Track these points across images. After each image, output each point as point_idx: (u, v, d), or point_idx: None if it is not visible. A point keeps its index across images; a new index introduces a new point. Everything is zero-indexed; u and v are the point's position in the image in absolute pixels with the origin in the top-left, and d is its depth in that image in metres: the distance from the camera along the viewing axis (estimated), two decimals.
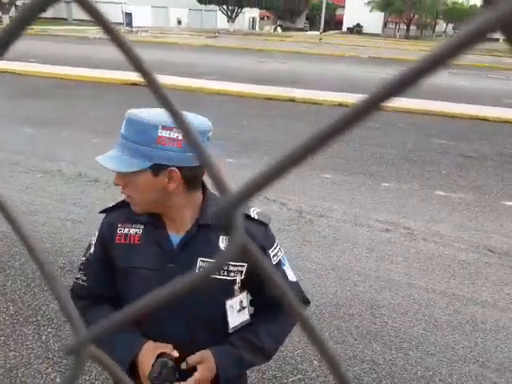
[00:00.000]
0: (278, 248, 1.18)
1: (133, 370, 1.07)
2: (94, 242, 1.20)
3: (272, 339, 1.15)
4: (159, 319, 1.13)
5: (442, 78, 14.20)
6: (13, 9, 34.42)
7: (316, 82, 11.99)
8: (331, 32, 53.32)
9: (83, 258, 1.23)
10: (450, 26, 59.94)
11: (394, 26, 55.21)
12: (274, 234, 1.19)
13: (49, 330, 2.62)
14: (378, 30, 55.61)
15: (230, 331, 1.13)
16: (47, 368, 2.37)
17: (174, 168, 0.98)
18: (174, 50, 19.76)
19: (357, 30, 57.10)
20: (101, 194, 4.37)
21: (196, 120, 1.02)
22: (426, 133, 7.41)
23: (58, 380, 2.30)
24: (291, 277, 1.21)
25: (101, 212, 1.20)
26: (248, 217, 1.13)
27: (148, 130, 0.95)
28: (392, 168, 5.58)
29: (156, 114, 0.97)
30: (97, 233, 1.19)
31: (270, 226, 1.17)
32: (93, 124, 6.83)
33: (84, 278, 1.21)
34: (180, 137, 0.95)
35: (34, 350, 2.48)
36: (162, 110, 0.85)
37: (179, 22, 49.55)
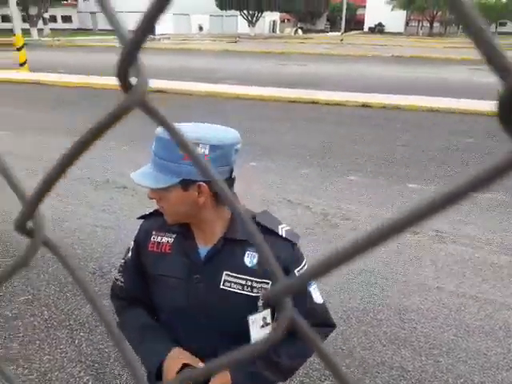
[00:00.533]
0: (305, 268, 1.18)
1: (159, 374, 1.11)
2: (131, 247, 1.25)
3: (292, 359, 1.15)
4: (184, 331, 1.16)
5: (467, 75, 13.89)
6: (40, 21, 35.52)
7: (339, 83, 11.92)
8: (352, 32, 52.91)
9: (122, 261, 1.29)
10: None
11: (416, 24, 54.31)
12: (302, 253, 1.19)
13: (81, 334, 2.69)
14: (401, 29, 54.83)
15: None
16: (80, 372, 2.43)
17: (202, 182, 1.01)
18: (196, 56, 19.99)
19: (378, 29, 56.45)
20: (129, 200, 4.47)
21: (224, 132, 1.04)
22: (452, 132, 7.26)
23: (90, 383, 2.36)
24: (318, 298, 1.20)
25: (139, 218, 1.26)
26: (275, 234, 1.14)
27: (175, 147, 0.98)
28: (418, 168, 5.49)
29: (183, 130, 1.00)
30: (134, 237, 1.25)
31: (299, 243, 1.18)
32: (119, 132, 6.97)
33: (122, 280, 1.27)
34: (206, 151, 0.98)
35: (67, 353, 2.55)
36: (190, 124, 0.89)
37: (200, 29, 50.13)
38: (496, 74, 0.14)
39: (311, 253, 3.48)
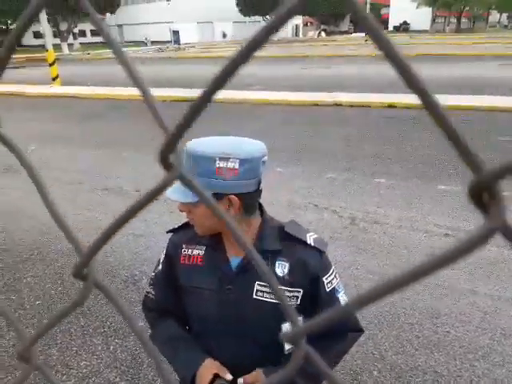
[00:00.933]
0: (333, 275, 1.19)
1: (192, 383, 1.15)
2: (162, 260, 1.29)
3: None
4: (217, 338, 1.20)
5: (496, 72, 13.50)
6: (70, 36, 36.77)
7: (363, 85, 11.80)
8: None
9: (153, 274, 1.33)
10: (505, 15, 56.74)
11: (443, 21, 53.12)
12: (330, 260, 1.21)
13: (116, 340, 2.77)
14: (427, 26, 53.77)
15: (286, 353, 1.17)
16: (116, 377, 2.50)
17: (232, 195, 1.04)
18: (221, 64, 20.22)
19: (404, 27, 55.58)
20: (158, 208, 4.56)
21: (252, 145, 1.06)
22: (484, 130, 7.07)
23: None
24: None
25: (168, 232, 1.30)
26: (304, 243, 1.16)
27: (206, 163, 1.01)
28: (448, 169, 5.37)
29: (213, 145, 1.02)
30: (164, 250, 1.28)
31: (327, 251, 1.20)
32: (148, 142, 7.14)
33: (153, 293, 1.31)
34: (236, 166, 1.00)
35: (103, 359, 2.63)
36: (220, 138, 0.94)
37: (224, 36, 50.71)
38: (468, 167, 0.18)
39: (339, 258, 3.46)
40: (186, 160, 1.05)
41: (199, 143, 1.04)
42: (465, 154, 0.18)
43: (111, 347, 2.72)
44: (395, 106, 9.17)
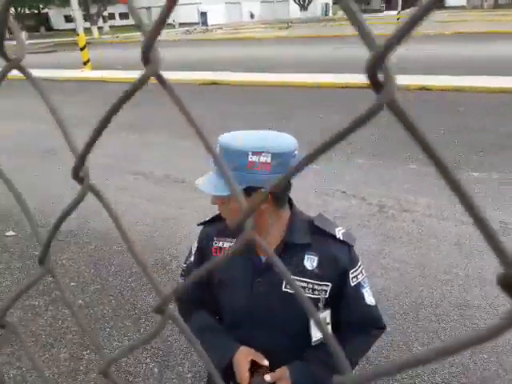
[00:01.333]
0: (359, 270, 1.20)
1: (226, 369, 1.18)
2: (194, 252, 1.32)
3: (349, 357, 1.18)
4: (248, 329, 1.23)
5: None
6: (100, 20, 37.11)
7: (396, 66, 11.46)
8: (410, 10, 50.30)
9: (184, 265, 1.36)
10: None
11: None
12: (357, 255, 1.22)
13: (146, 322, 2.87)
14: (463, 1, 51.33)
15: (313, 344, 1.19)
16: (146, 358, 2.61)
17: (264, 189, 1.04)
18: (248, 45, 20.03)
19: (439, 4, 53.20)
20: (187, 193, 4.64)
21: (284, 139, 1.05)
22: None
23: (156, 370, 2.53)
24: (370, 300, 1.21)
25: (199, 224, 1.33)
26: (333, 237, 1.17)
27: (239, 157, 1.01)
28: (482, 156, 5.20)
29: (246, 139, 1.03)
30: (196, 243, 1.31)
31: (355, 245, 1.21)
32: (176, 127, 7.20)
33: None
34: (268, 160, 1.01)
35: (134, 341, 2.74)
36: (253, 132, 0.94)
37: (252, 16, 50.01)
38: (497, 258, 0.19)
39: (366, 246, 3.44)
40: (220, 152, 1.05)
41: (232, 137, 1.04)
42: (493, 245, 0.19)
43: (141, 329, 2.82)
44: (429, 89, 8.88)
